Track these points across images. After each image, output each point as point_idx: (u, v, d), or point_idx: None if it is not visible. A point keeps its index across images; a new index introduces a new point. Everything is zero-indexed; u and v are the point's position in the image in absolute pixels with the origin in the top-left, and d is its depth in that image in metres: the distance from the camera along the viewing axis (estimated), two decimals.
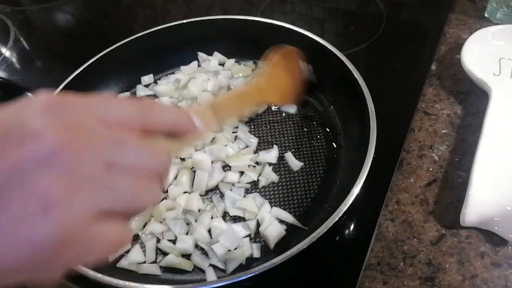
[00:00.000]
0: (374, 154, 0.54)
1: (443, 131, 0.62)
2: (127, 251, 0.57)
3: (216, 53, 0.82)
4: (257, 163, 0.65)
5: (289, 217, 0.58)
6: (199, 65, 0.80)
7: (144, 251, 0.57)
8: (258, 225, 0.58)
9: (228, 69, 0.79)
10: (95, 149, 0.26)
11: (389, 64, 0.79)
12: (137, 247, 0.57)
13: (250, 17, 0.77)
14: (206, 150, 0.65)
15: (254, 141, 0.68)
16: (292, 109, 0.72)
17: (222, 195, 0.62)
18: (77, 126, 0.26)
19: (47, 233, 0.23)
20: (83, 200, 0.24)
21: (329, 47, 0.68)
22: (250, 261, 0.55)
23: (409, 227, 0.52)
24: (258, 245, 0.56)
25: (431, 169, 0.58)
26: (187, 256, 0.56)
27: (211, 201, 0.61)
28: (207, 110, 0.40)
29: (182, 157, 0.64)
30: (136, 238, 0.58)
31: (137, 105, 0.30)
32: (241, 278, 0.46)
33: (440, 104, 0.65)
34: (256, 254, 0.55)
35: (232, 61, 0.81)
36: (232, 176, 0.63)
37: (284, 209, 0.60)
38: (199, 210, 0.60)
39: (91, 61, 0.73)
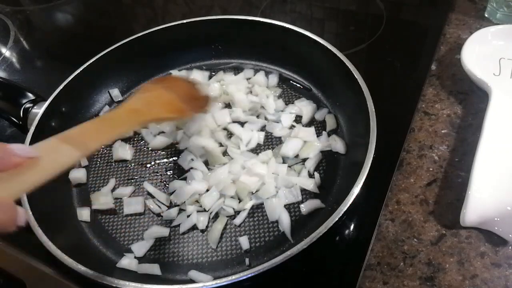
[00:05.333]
0: (374, 154, 0.54)
1: (443, 131, 0.62)
2: (127, 252, 0.58)
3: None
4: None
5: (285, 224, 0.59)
6: None
7: None
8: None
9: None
10: None
11: (389, 64, 0.79)
12: None
13: (250, 17, 0.77)
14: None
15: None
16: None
17: None
18: None
19: None
20: None
21: (329, 47, 0.68)
22: (245, 256, 0.56)
23: (409, 227, 0.52)
24: (245, 237, 0.57)
25: (431, 169, 0.58)
26: None
27: None
28: (55, 143, 0.42)
29: None
30: None
31: None
32: (241, 278, 0.46)
33: (440, 104, 0.65)
34: (245, 246, 0.57)
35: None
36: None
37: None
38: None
39: (91, 61, 0.73)
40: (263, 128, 0.70)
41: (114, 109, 0.55)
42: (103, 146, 0.71)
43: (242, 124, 0.71)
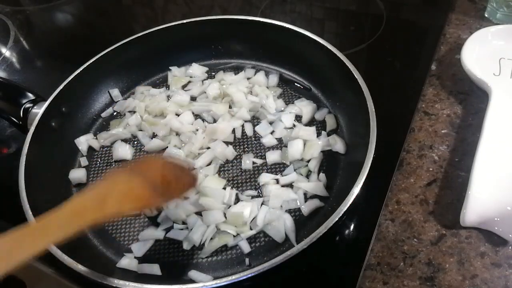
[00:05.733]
0: (374, 154, 0.54)
1: (443, 131, 0.62)
2: (127, 252, 0.58)
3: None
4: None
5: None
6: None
7: None
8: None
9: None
10: None
11: (389, 64, 0.79)
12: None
13: (250, 17, 0.77)
14: None
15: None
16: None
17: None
18: None
19: None
20: None
21: (329, 47, 0.68)
22: (245, 256, 0.56)
23: (409, 227, 0.52)
24: (245, 241, 0.57)
25: (431, 169, 0.58)
26: None
27: None
28: None
29: None
30: None
31: None
32: (241, 278, 0.46)
33: (440, 104, 0.65)
34: (246, 249, 0.56)
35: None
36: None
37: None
38: None
39: (91, 61, 0.73)
40: (272, 132, 0.69)
41: (53, 211, 0.40)
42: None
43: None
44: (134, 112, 0.75)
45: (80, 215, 0.41)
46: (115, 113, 0.76)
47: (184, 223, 0.59)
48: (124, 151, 0.69)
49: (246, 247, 0.56)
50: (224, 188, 0.62)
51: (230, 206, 0.60)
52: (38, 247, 0.37)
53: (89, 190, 0.45)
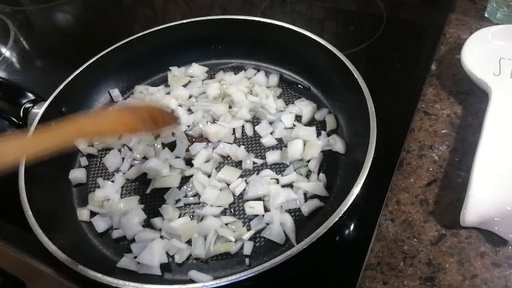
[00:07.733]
0: (374, 154, 0.54)
1: (443, 131, 0.62)
2: (127, 252, 0.58)
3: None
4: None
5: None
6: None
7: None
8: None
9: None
10: None
11: (389, 64, 0.79)
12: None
13: (250, 17, 0.77)
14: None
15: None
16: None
17: None
18: None
19: None
20: None
21: (329, 47, 0.68)
22: (244, 258, 0.56)
23: (409, 227, 0.52)
24: (251, 242, 0.57)
25: (431, 169, 0.58)
26: None
27: None
28: None
29: None
30: None
31: None
32: (241, 278, 0.46)
33: (440, 104, 0.65)
34: (247, 251, 0.56)
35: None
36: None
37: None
38: None
39: (91, 61, 0.73)
40: (272, 132, 0.69)
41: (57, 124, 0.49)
42: None
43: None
44: None
45: (81, 128, 0.50)
46: None
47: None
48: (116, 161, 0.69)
49: (248, 248, 0.56)
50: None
51: (226, 208, 0.61)
52: (43, 147, 0.45)
53: (87, 116, 0.57)
